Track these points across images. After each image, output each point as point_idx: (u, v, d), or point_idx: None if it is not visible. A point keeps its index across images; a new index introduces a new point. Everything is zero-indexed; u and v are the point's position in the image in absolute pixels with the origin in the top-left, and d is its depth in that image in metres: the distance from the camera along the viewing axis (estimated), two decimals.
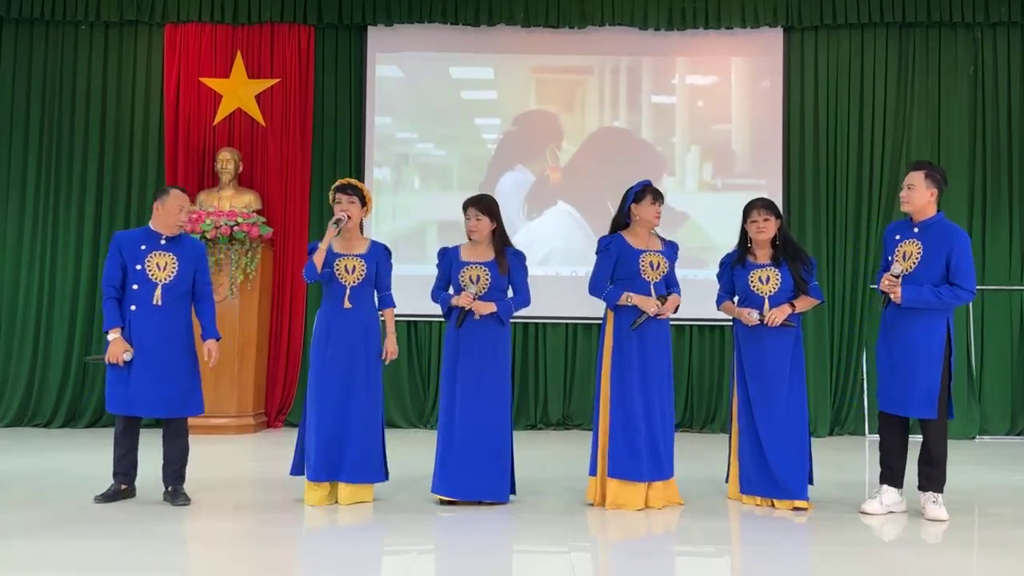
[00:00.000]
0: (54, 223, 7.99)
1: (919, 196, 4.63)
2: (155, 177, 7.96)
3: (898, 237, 4.70)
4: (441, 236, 7.87)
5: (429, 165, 8.21)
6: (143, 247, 4.76)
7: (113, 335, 4.66)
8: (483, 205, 4.86)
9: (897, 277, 4.55)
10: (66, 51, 8.09)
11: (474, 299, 4.74)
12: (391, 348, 4.90)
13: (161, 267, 4.73)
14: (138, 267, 4.71)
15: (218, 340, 4.87)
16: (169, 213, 4.77)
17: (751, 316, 4.75)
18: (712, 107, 8.12)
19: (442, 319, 5.07)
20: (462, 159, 8.17)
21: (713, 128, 8.11)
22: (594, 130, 8.14)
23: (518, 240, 7.69)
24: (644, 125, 8.11)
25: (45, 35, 8.10)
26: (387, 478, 4.87)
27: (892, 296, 4.55)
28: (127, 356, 4.63)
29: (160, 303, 4.69)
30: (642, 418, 4.69)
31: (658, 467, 4.70)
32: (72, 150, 8.04)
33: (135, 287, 4.70)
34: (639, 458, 4.66)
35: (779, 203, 7.57)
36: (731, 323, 4.98)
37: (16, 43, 8.09)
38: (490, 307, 4.76)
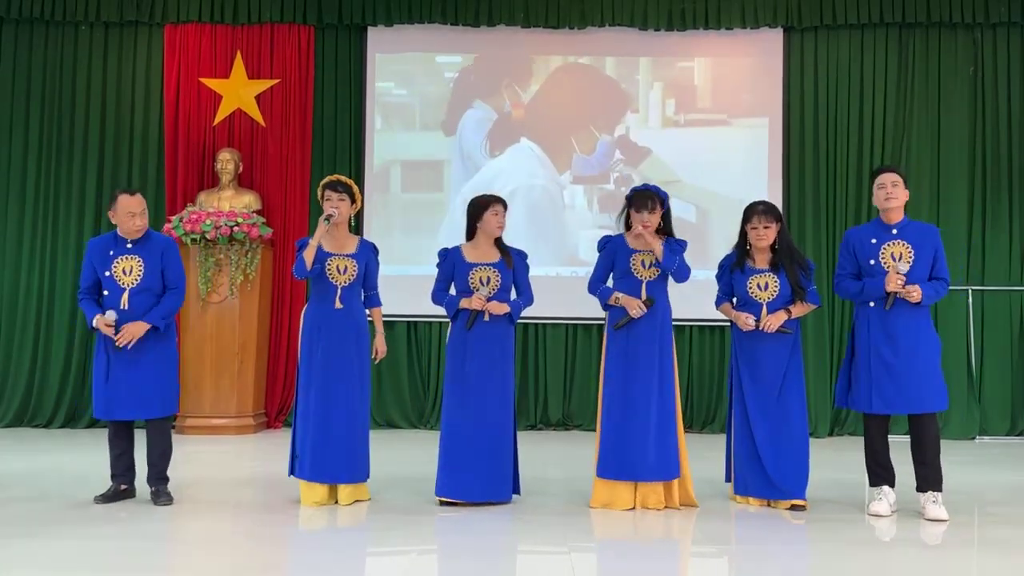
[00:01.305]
0: (54, 223, 8.00)
1: (902, 194, 4.69)
2: (155, 177, 7.97)
3: (874, 241, 4.69)
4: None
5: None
6: (111, 252, 4.71)
7: (96, 320, 4.62)
8: (505, 204, 4.88)
9: (904, 276, 4.57)
10: (66, 51, 8.09)
11: (485, 300, 4.74)
12: (381, 347, 4.88)
13: (127, 272, 4.67)
14: (107, 273, 4.68)
15: (150, 326, 4.61)
16: (121, 220, 4.70)
17: (748, 321, 4.74)
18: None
19: (442, 319, 5.06)
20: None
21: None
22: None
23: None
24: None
25: (45, 35, 8.11)
26: (368, 477, 4.86)
27: (911, 295, 4.55)
28: (111, 317, 4.58)
29: (127, 307, 4.64)
30: (621, 418, 4.68)
31: (638, 468, 4.65)
32: (72, 150, 8.05)
33: (106, 293, 4.68)
34: (616, 458, 4.66)
35: (778, 202, 7.59)
36: (731, 323, 4.97)
37: (16, 43, 8.10)
38: (504, 308, 4.75)
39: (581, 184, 8.08)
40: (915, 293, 4.54)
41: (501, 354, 4.78)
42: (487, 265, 4.79)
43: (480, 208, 4.84)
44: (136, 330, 4.61)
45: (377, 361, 4.88)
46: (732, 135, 8.04)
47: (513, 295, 4.91)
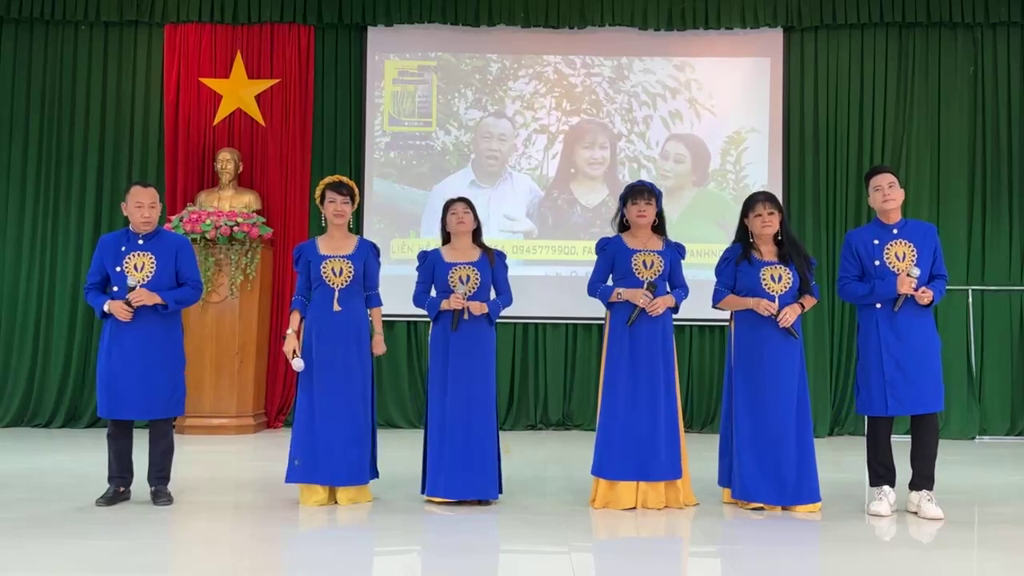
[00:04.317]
0: (54, 223, 8.00)
1: (899, 195, 4.72)
2: (155, 178, 7.96)
3: (877, 242, 4.69)
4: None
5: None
6: (122, 248, 4.69)
7: (106, 305, 4.60)
8: (470, 204, 4.92)
9: (915, 279, 4.57)
10: (66, 51, 8.09)
11: (464, 299, 4.74)
12: (377, 348, 4.84)
13: (139, 268, 4.64)
14: (117, 269, 4.64)
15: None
16: (130, 211, 4.69)
17: (770, 306, 4.58)
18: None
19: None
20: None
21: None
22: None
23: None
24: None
25: (45, 35, 8.11)
26: (377, 476, 4.87)
27: (922, 297, 4.56)
28: (127, 306, 4.56)
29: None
30: (628, 418, 4.67)
31: (647, 467, 4.65)
32: (72, 150, 8.05)
33: (115, 289, 4.64)
34: (622, 457, 4.65)
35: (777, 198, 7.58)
36: (730, 322, 4.92)
37: (16, 43, 8.10)
38: (483, 308, 4.76)
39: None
40: (926, 297, 4.56)
41: (483, 353, 4.79)
42: (466, 264, 4.81)
43: (443, 211, 4.93)
44: (147, 296, 4.57)
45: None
46: (732, 131, 8.05)
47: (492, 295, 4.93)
